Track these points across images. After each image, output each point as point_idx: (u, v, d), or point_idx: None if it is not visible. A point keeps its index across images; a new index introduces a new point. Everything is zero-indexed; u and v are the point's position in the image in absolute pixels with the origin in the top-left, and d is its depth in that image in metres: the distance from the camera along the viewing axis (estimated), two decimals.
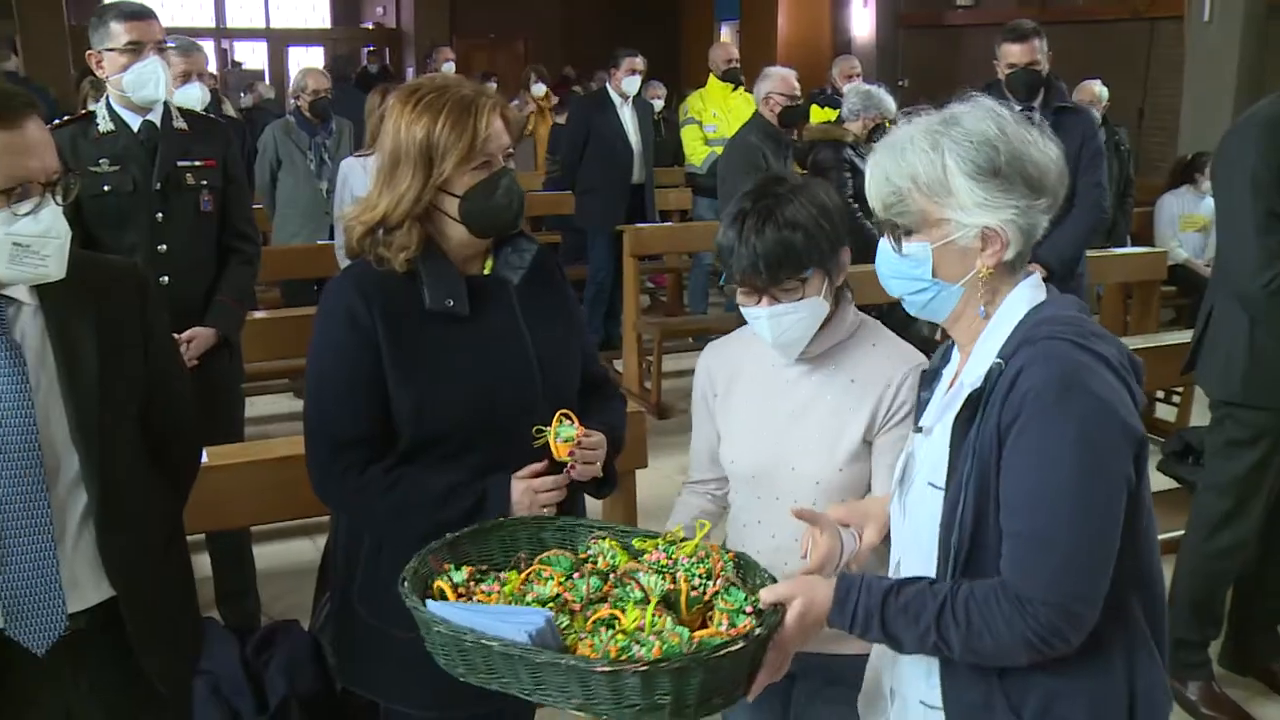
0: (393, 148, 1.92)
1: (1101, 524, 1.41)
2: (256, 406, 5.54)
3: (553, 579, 1.71)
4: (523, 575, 1.73)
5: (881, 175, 1.55)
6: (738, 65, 7.71)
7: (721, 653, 1.47)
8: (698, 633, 1.57)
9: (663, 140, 8.54)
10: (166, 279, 3.18)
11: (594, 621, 1.60)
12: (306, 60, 16.64)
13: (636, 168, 7.03)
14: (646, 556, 1.76)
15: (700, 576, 1.68)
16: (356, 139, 5.92)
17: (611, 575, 1.73)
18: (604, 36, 15.00)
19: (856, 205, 4.74)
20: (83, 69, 6.66)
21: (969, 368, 1.57)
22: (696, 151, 7.71)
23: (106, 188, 3.14)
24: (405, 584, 1.64)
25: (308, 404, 2.00)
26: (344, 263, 5.11)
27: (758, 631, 1.52)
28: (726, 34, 15.26)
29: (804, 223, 1.91)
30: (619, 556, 1.79)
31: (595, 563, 1.79)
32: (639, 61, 7.01)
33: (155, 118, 3.25)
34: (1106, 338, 1.48)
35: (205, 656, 2.26)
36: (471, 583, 1.72)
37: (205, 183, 3.30)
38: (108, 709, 1.88)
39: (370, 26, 17.59)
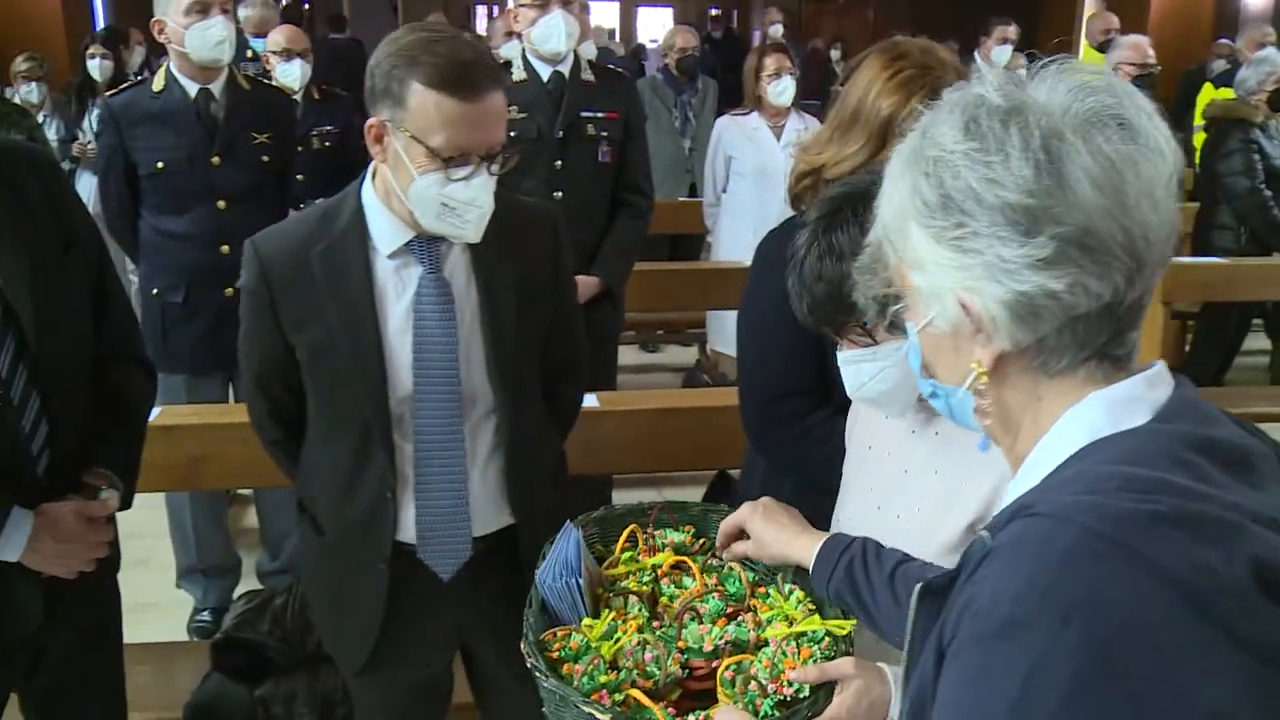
0: (856, 106, 1.88)
1: None
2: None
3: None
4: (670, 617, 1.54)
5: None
6: (1116, 35, 7.17)
7: None
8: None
9: None
10: None
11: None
12: (655, 21, 17.02)
13: None
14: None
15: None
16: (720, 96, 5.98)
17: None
18: (957, 3, 14.43)
19: (1269, 192, 4.30)
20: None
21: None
22: None
23: (513, 133, 3.26)
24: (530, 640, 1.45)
25: (744, 353, 1.99)
26: (710, 219, 5.25)
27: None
28: (1092, 3, 14.28)
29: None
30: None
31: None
32: (1011, 30, 6.66)
33: (564, 69, 3.35)
34: (1209, 524, 0.80)
35: None
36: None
37: (605, 134, 3.37)
38: (495, 626, 1.95)
39: None
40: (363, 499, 1.86)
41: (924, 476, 1.52)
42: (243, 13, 4.91)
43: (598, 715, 1.31)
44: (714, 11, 15.89)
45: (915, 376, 1.35)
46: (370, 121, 1.72)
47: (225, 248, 3.24)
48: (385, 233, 1.80)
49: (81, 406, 1.84)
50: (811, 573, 1.47)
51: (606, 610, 1.52)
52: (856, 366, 1.51)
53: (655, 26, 16.88)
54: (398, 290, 1.81)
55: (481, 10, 15.05)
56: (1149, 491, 0.80)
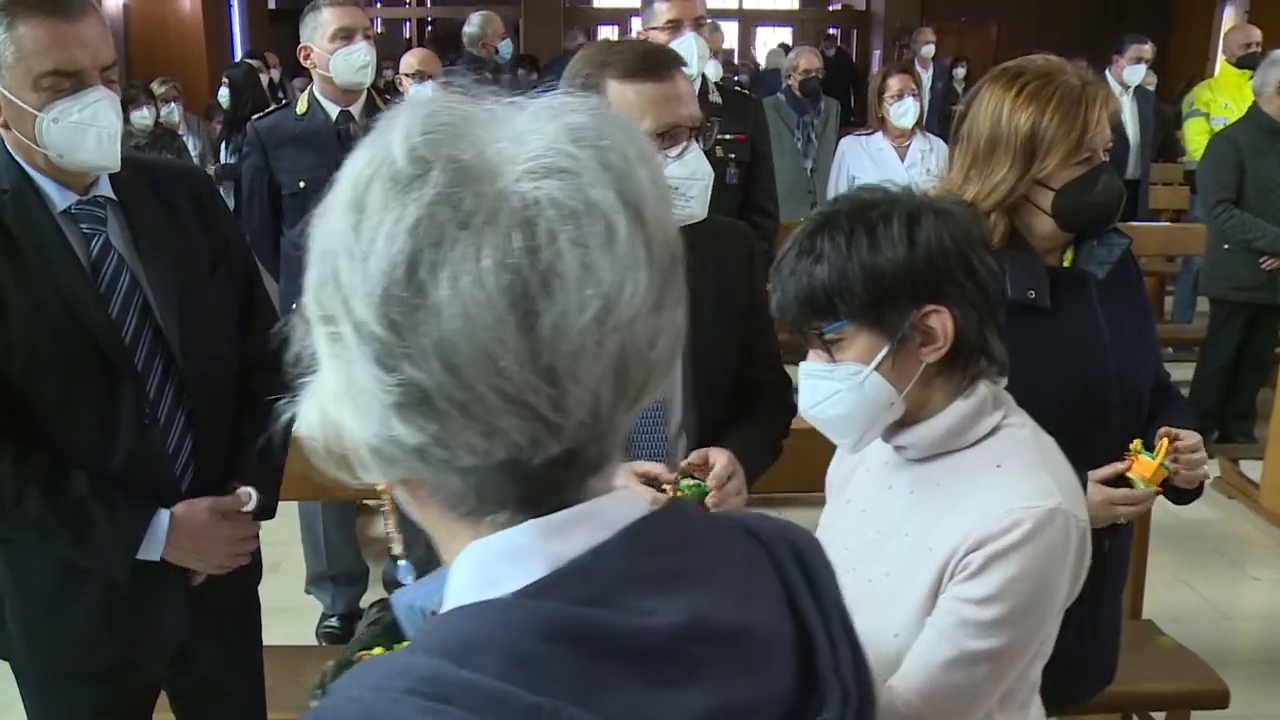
0: (990, 135, 1.84)
1: None
2: None
3: None
4: None
5: None
6: (1258, 49, 6.90)
7: None
8: None
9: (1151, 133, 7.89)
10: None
11: None
12: (774, 40, 17.01)
13: (1131, 163, 6.50)
14: None
15: None
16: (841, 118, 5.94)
17: None
18: (1084, 20, 14.11)
19: None
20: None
21: None
22: (1200, 147, 7.01)
23: None
24: None
25: None
26: None
27: None
28: (1230, 16, 13.81)
29: (859, 255, 1.33)
30: None
31: None
32: (1147, 49, 6.45)
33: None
34: None
35: None
36: None
37: (733, 156, 3.37)
38: None
39: (838, 8, 17.68)
40: None
41: (895, 538, 1.44)
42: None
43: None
44: (831, 30, 15.84)
45: (875, 411, 1.39)
46: None
47: None
48: None
49: (225, 424, 1.90)
50: None
51: None
52: (814, 382, 1.43)
53: (774, 46, 16.88)
54: None
55: (606, 31, 15.21)
56: (439, 699, 0.60)
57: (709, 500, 1.75)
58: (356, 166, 0.66)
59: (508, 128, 0.65)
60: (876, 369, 1.36)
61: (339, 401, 0.67)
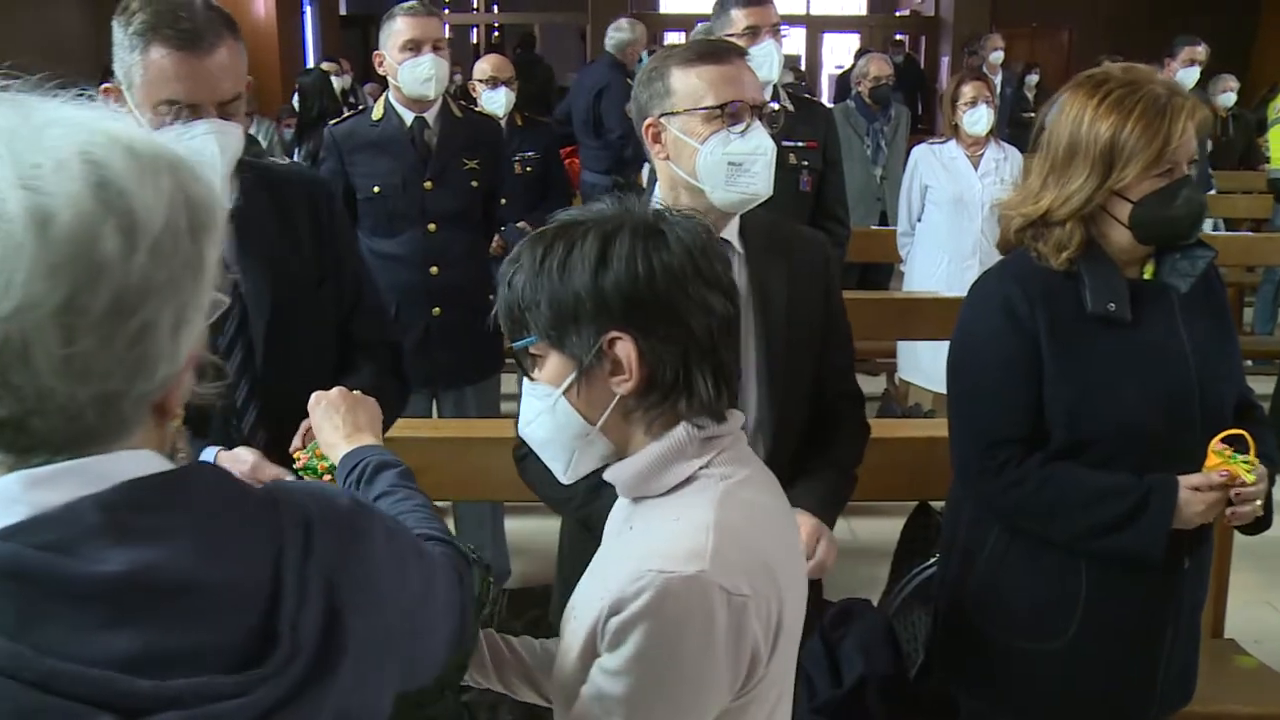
0: (1069, 142, 1.82)
1: None
2: None
3: None
4: None
5: None
6: None
7: None
8: None
9: (1229, 140, 7.72)
10: None
11: None
12: (840, 47, 16.92)
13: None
14: None
15: None
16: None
17: None
18: (1159, 25, 13.83)
19: None
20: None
21: None
22: None
23: None
24: None
25: (958, 396, 1.97)
26: (904, 249, 5.18)
27: None
28: None
29: (549, 272, 1.22)
30: None
31: None
32: (1200, 51, 6.28)
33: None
34: None
35: None
36: None
37: (806, 163, 3.37)
38: None
39: (906, 14, 17.52)
40: None
41: (590, 575, 1.31)
42: None
43: None
44: (898, 36, 15.71)
45: (569, 439, 1.27)
46: (646, 123, 1.85)
47: (434, 268, 3.38)
48: None
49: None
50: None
51: None
52: (526, 399, 1.31)
53: (841, 52, 16.79)
54: None
55: (673, 37, 15.22)
56: None
57: None
58: None
59: None
60: (565, 394, 1.25)
61: None
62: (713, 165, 1.79)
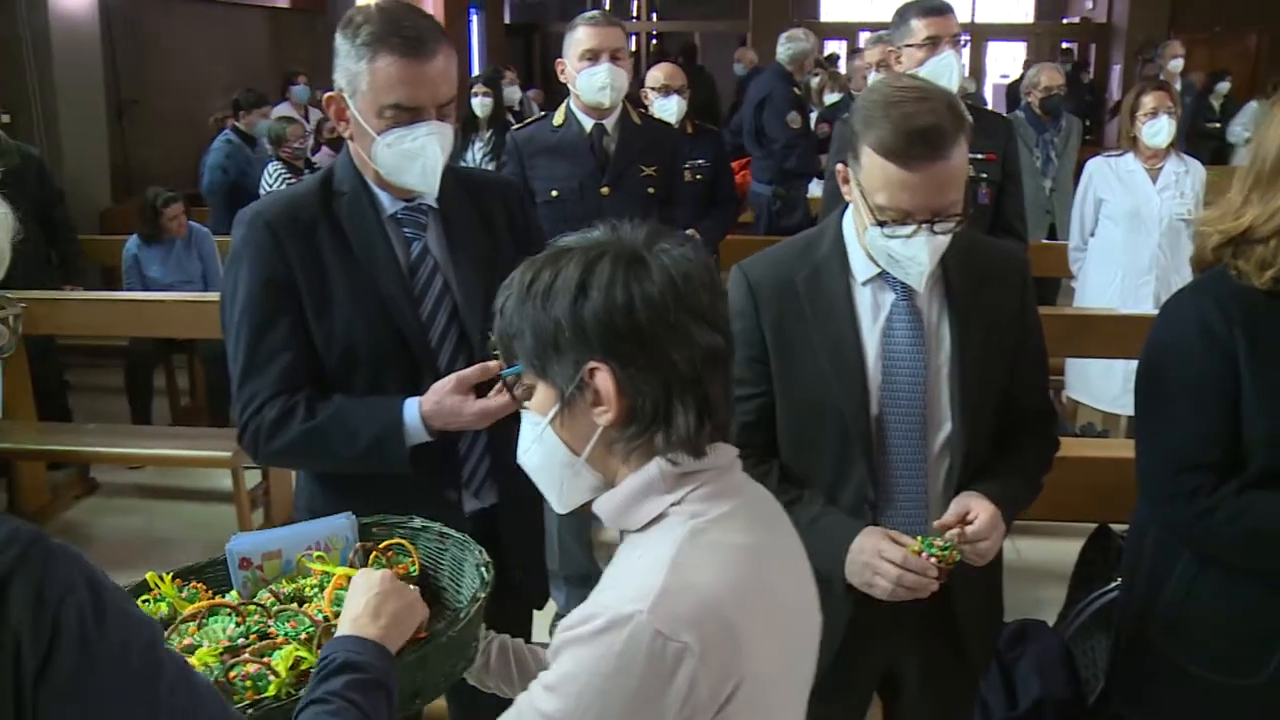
0: (1277, 155, 1.76)
1: None
2: None
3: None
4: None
5: None
6: None
7: None
8: None
9: None
10: None
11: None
12: (1004, 56, 16.52)
13: None
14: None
15: None
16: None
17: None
18: None
19: None
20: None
21: None
22: None
23: None
24: None
25: (1148, 417, 1.91)
26: (1075, 263, 5.04)
27: None
28: None
29: (534, 299, 1.22)
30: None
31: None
32: None
33: None
34: None
35: None
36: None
37: (985, 176, 3.34)
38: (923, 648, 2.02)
39: (1075, 21, 16.98)
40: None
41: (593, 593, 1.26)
42: None
43: None
44: (1065, 45, 15.24)
45: (556, 469, 1.25)
46: (839, 167, 1.85)
47: None
48: (860, 262, 1.89)
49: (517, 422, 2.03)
50: None
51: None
52: (523, 426, 1.31)
53: (1005, 61, 16.41)
54: (873, 314, 1.89)
55: (833, 46, 15.08)
56: None
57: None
58: None
59: None
60: (550, 424, 1.25)
61: None
62: (875, 246, 1.81)
